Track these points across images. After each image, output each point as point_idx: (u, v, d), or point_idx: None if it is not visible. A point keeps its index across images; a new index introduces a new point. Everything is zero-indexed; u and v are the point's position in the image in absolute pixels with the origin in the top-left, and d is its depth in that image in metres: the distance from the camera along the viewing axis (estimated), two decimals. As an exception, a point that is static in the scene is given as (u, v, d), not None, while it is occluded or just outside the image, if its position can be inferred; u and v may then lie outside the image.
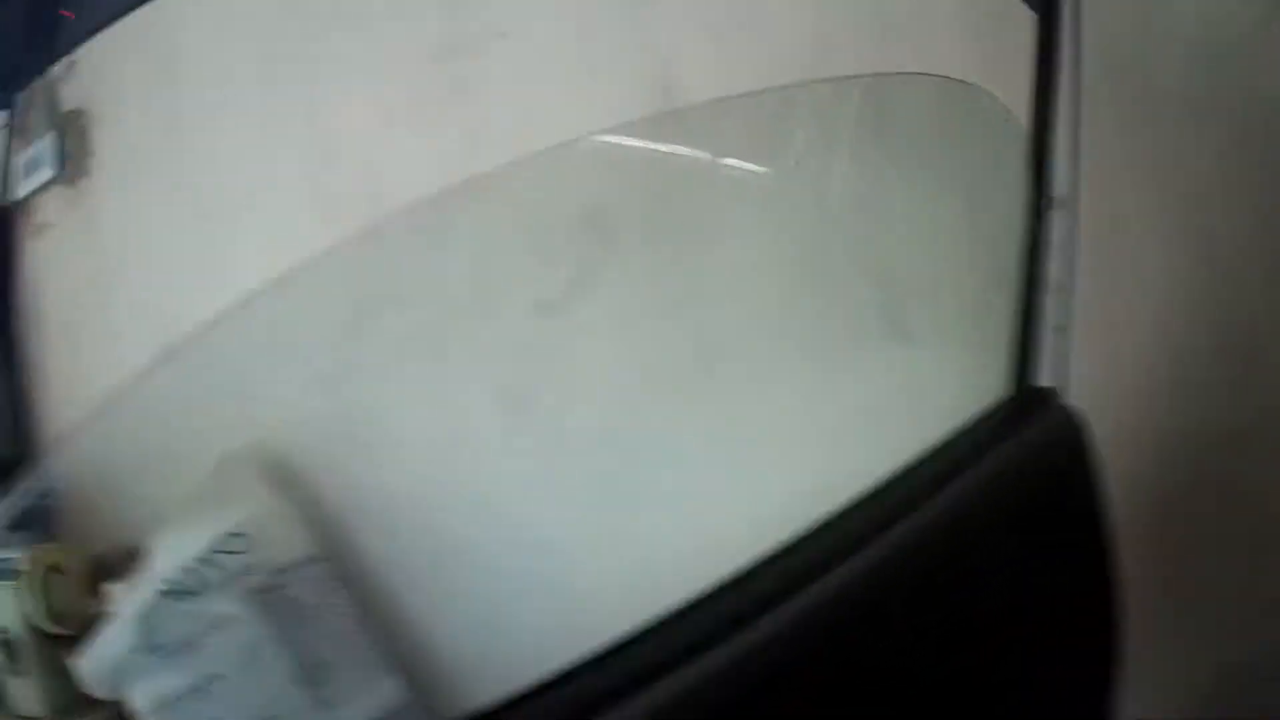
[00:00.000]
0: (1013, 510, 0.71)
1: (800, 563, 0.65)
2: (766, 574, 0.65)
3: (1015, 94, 0.75)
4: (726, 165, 1.03)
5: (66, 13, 1.58)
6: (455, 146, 1.16)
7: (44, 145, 1.67)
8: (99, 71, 1.58)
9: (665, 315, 1.09)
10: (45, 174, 1.66)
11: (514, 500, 1.12)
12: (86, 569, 1.15)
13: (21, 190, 1.71)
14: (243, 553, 1.12)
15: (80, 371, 1.63)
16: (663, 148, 1.03)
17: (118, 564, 1.14)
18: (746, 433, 1.06)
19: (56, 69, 1.64)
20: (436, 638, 1.17)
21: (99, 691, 1.06)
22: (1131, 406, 1.03)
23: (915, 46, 1.06)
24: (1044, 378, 0.76)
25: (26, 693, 1.13)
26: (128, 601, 1.08)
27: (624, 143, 1.03)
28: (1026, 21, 0.74)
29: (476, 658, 1.15)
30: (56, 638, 1.11)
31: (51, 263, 1.69)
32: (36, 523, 1.14)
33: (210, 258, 1.24)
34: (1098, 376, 1.02)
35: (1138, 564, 1.03)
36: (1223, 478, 1.02)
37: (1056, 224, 0.75)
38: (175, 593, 1.08)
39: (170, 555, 1.11)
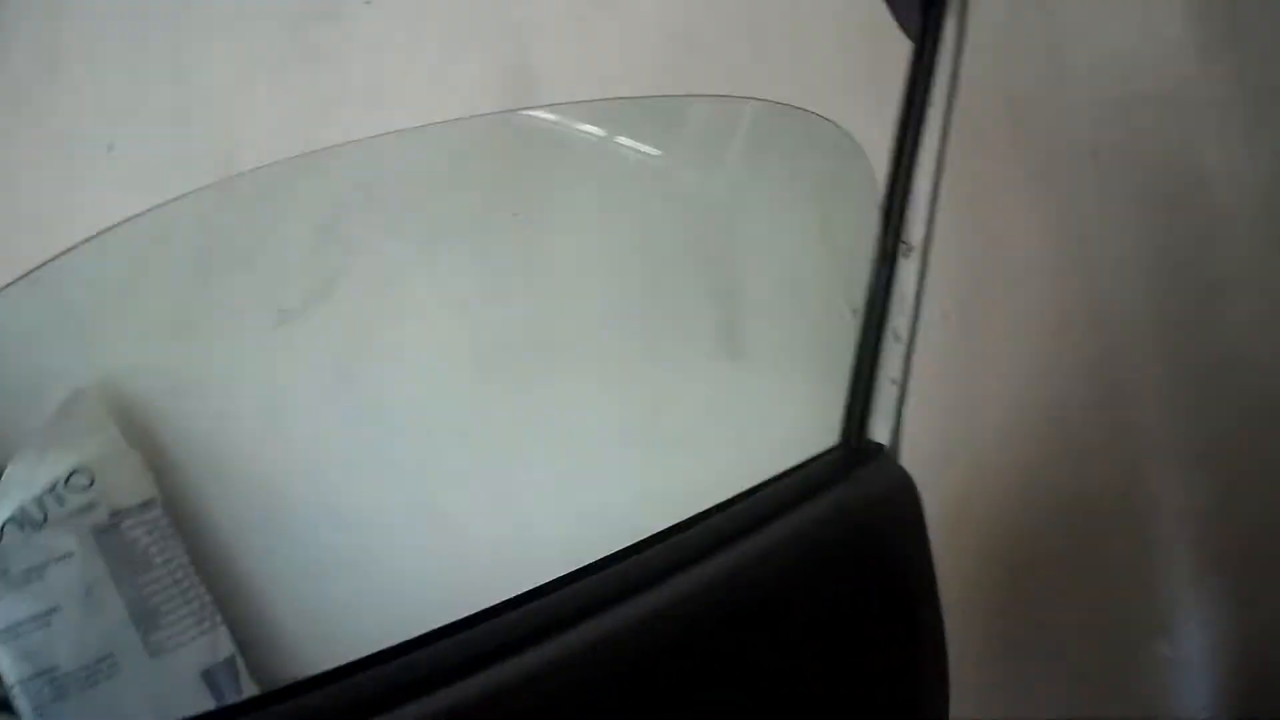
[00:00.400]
0: (831, 556, 0.70)
1: (617, 577, 0.65)
2: (583, 583, 0.64)
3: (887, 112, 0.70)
4: (573, 162, 1.03)
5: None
6: (310, 111, 1.17)
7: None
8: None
9: (503, 300, 1.09)
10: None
11: (337, 473, 1.14)
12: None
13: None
14: (85, 489, 1.14)
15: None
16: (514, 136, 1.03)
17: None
18: (573, 428, 1.07)
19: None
20: (264, 598, 1.18)
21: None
22: (1000, 453, 1.04)
23: (784, 53, 1.05)
24: (878, 429, 0.74)
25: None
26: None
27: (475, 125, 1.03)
28: (903, 38, 0.67)
29: (299, 624, 1.17)
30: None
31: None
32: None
33: (71, 198, 1.25)
34: (966, 421, 1.04)
35: (997, 614, 1.05)
36: (1083, 532, 1.03)
37: (906, 272, 0.70)
38: (21, 522, 1.10)
39: (19, 485, 1.12)
